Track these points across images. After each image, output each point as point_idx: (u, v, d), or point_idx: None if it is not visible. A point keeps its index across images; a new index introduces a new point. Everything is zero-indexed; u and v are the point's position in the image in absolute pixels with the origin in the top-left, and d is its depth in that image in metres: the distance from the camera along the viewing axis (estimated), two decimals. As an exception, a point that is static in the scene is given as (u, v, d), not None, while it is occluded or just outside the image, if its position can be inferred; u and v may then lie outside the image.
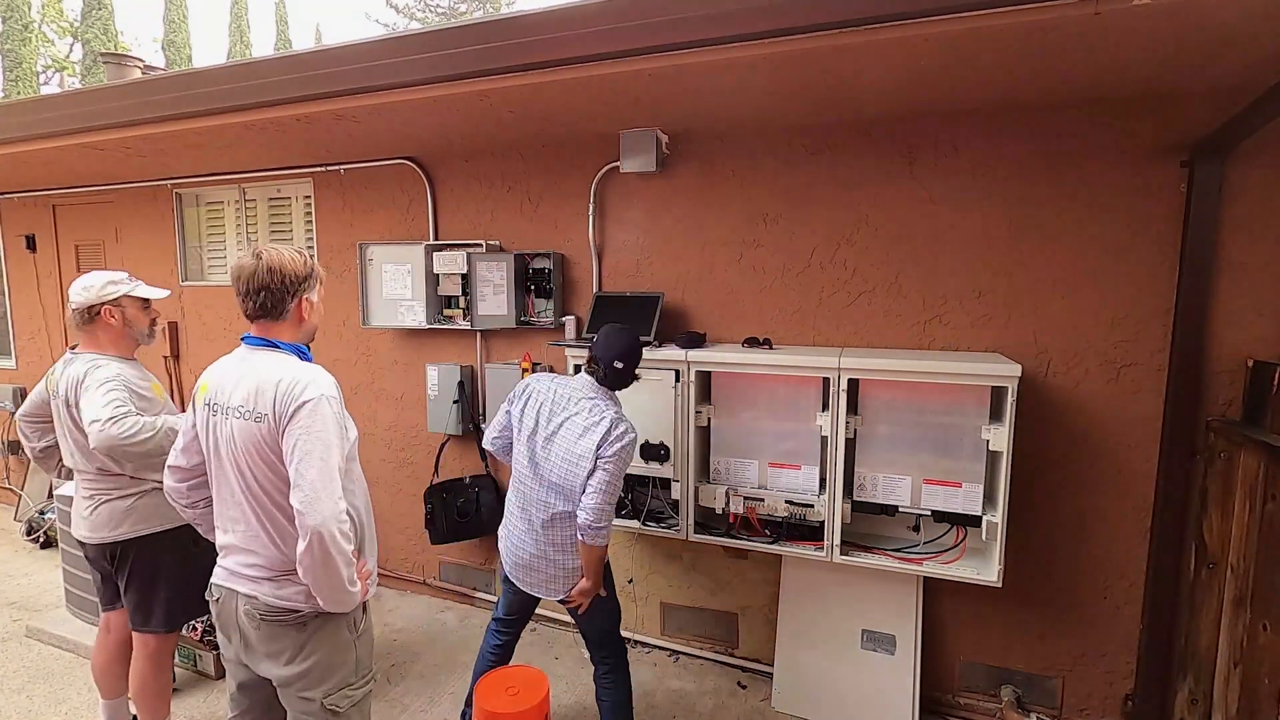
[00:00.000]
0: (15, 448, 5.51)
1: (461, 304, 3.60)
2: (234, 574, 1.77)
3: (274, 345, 1.77)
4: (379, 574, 4.13)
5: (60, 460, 2.59)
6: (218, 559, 1.84)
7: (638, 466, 2.85)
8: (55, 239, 5.09)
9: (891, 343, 2.90)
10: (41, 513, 4.80)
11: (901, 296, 2.87)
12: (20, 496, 5.27)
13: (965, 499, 2.47)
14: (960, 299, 2.79)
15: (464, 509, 3.65)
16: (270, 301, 1.74)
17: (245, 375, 1.71)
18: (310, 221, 4.13)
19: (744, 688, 3.14)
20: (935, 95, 2.54)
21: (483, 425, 3.67)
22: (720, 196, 3.12)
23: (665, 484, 2.91)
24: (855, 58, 2.16)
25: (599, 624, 2.45)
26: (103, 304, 2.38)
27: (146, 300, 2.49)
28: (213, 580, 1.84)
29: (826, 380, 2.54)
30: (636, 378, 2.44)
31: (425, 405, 3.76)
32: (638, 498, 3.02)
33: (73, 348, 2.46)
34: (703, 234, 3.17)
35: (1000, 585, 2.42)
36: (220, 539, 1.82)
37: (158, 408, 2.47)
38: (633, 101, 2.70)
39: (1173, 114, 2.46)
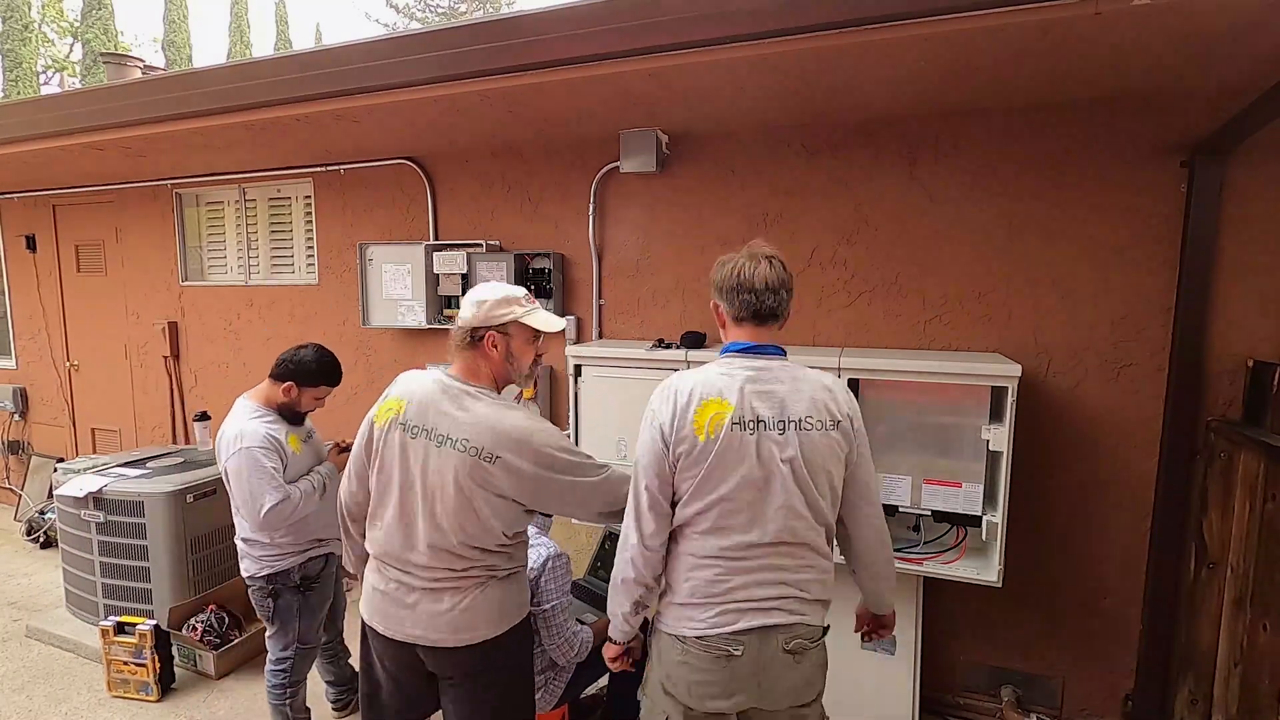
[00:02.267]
0: (15, 448, 5.51)
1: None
2: None
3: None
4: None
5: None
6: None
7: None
8: (55, 239, 5.10)
9: (891, 343, 2.90)
10: (41, 513, 4.79)
11: (901, 296, 2.87)
12: (20, 496, 5.27)
13: (965, 499, 2.46)
14: (960, 299, 2.79)
15: (464, 509, 3.64)
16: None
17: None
18: (310, 221, 4.13)
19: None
20: (935, 95, 2.54)
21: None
22: (720, 196, 3.12)
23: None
24: (855, 58, 2.16)
25: None
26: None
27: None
28: None
29: (826, 380, 2.53)
30: None
31: (425, 405, 3.75)
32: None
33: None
34: (703, 234, 3.16)
35: (1000, 585, 2.41)
36: None
37: None
38: (633, 101, 2.70)
39: (1173, 114, 2.46)
